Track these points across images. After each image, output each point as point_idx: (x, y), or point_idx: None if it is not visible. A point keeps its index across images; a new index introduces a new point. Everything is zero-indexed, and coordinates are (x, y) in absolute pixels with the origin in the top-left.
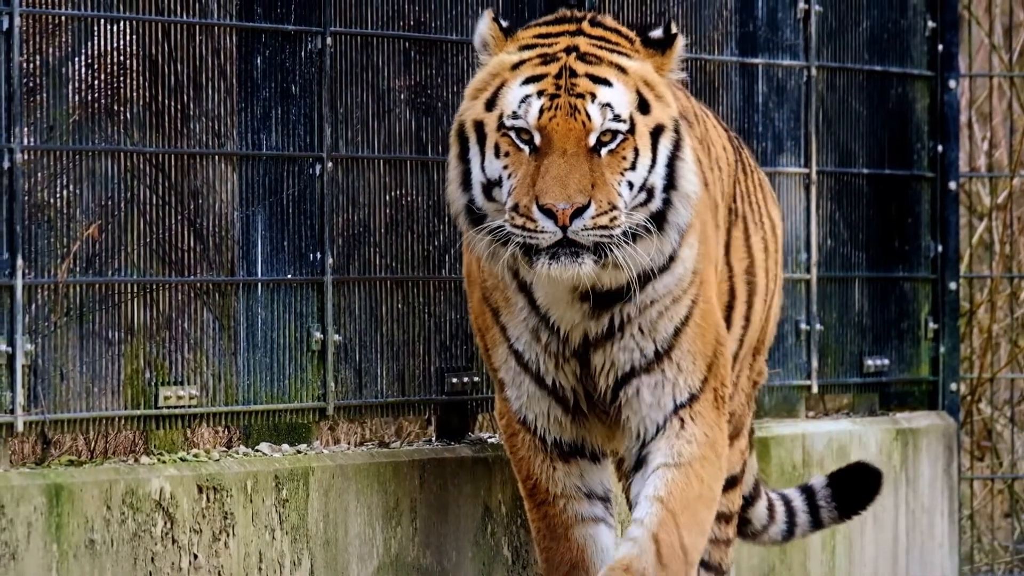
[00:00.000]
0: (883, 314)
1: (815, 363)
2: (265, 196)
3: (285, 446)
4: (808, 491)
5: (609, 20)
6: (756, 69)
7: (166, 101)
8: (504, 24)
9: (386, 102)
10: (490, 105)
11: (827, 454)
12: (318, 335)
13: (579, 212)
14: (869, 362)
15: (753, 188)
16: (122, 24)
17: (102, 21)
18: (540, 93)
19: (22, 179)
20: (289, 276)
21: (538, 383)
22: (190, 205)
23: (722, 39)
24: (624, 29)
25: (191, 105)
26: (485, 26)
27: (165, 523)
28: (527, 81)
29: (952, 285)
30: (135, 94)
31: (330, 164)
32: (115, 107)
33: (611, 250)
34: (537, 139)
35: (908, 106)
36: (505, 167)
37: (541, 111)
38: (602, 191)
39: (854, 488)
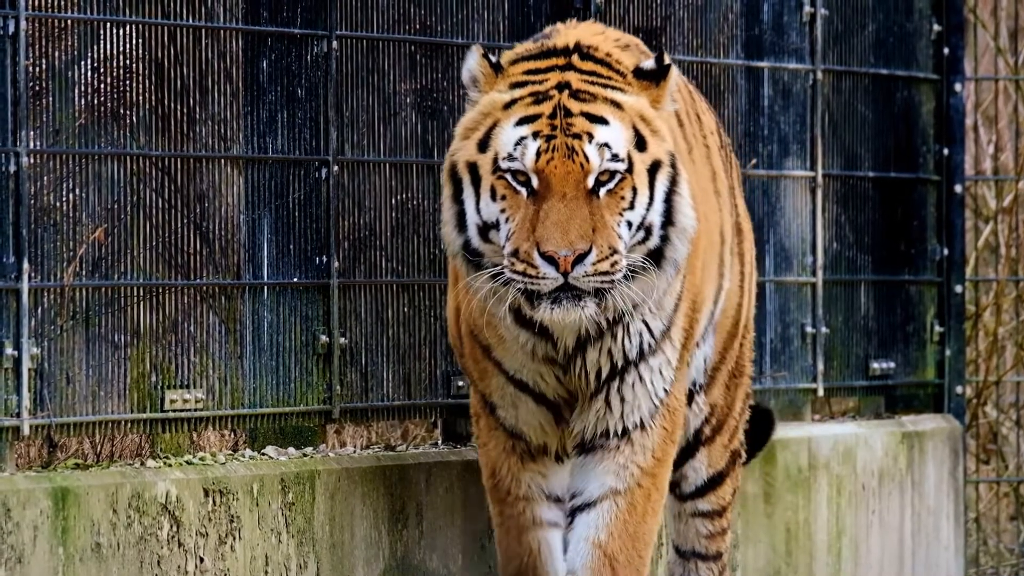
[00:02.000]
0: (889, 317)
1: (821, 366)
2: (271, 200)
3: (291, 449)
4: None
5: (598, 50)
6: (762, 72)
7: (172, 104)
8: (493, 60)
9: (392, 106)
10: (483, 146)
11: (833, 457)
12: (324, 338)
13: (580, 258)
14: (875, 365)
15: (730, 168)
16: (128, 27)
17: (108, 24)
18: (536, 135)
19: (28, 183)
20: (295, 279)
21: (536, 400)
22: (196, 208)
23: (728, 42)
24: (616, 60)
25: (197, 109)
26: (474, 62)
27: (171, 526)
28: (521, 122)
29: (958, 288)
30: (141, 97)
31: (336, 168)
32: (121, 110)
33: (611, 293)
34: (535, 182)
35: (914, 109)
36: (503, 210)
37: (538, 153)
38: (603, 235)
39: (749, 432)
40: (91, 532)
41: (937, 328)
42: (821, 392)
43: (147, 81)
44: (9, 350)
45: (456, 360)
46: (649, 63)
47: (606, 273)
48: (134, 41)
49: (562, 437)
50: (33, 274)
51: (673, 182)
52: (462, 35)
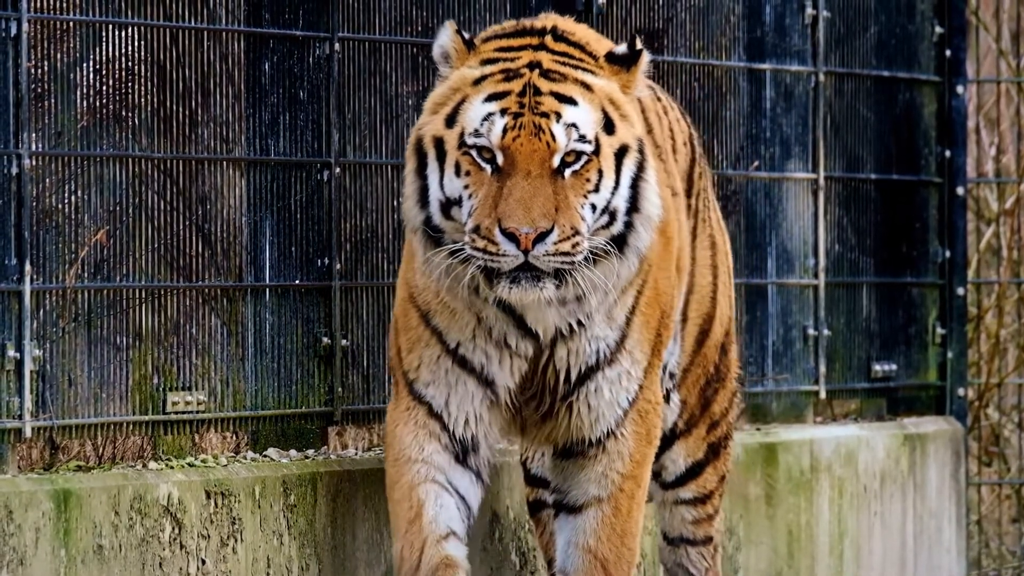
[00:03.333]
0: (891, 319)
1: (823, 368)
2: (273, 202)
3: (293, 451)
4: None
5: (573, 33)
6: (764, 75)
7: (174, 107)
8: (466, 36)
9: (394, 107)
10: (450, 121)
11: (835, 459)
12: (326, 340)
13: (542, 237)
14: (877, 367)
15: (700, 180)
16: (130, 30)
17: (110, 27)
18: (503, 111)
19: (30, 185)
20: (297, 281)
21: (480, 382)
22: (198, 211)
23: (730, 45)
24: (589, 43)
25: (199, 111)
26: (447, 37)
27: (173, 528)
28: (490, 98)
29: (960, 290)
30: (143, 100)
31: (338, 170)
32: (123, 113)
33: (571, 275)
34: (500, 159)
35: (916, 111)
36: (466, 186)
37: (504, 130)
38: (565, 215)
39: None
40: (93, 534)
41: (939, 330)
42: (823, 394)
43: (149, 83)
44: (11, 352)
45: None
46: (621, 48)
47: (567, 254)
48: (136, 43)
49: (493, 435)
50: (35, 276)
51: (640, 168)
52: None
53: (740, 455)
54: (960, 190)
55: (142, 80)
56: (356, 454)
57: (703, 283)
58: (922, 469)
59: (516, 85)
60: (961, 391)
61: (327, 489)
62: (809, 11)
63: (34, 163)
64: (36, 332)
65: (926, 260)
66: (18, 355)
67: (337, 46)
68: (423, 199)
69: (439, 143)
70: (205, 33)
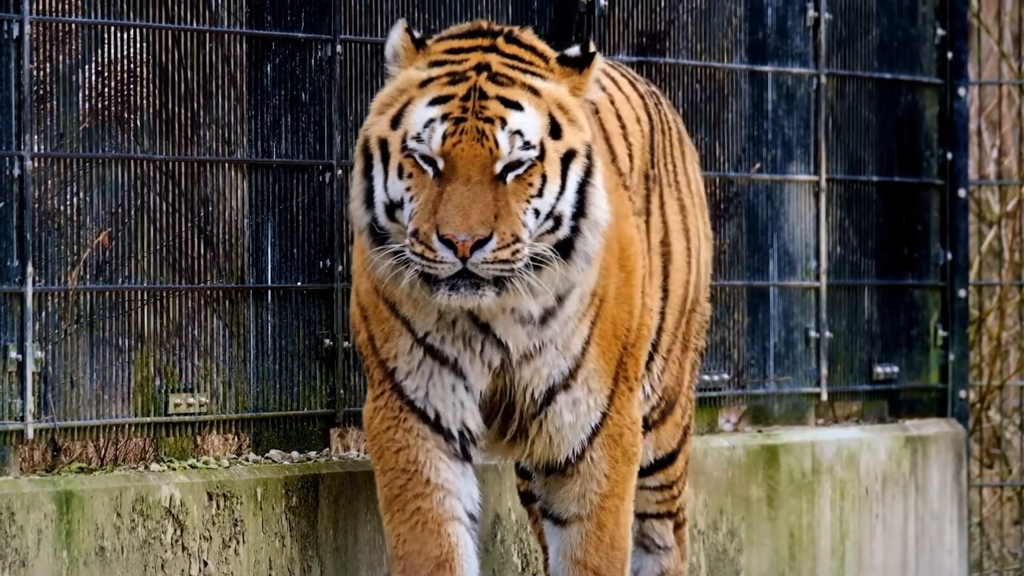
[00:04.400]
0: (892, 321)
1: (824, 370)
2: (275, 203)
3: (295, 453)
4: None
5: (527, 36)
6: (766, 77)
7: (176, 108)
8: (417, 35)
9: None
10: (395, 123)
11: (836, 461)
12: (328, 342)
13: (480, 244)
14: (878, 369)
15: (668, 146)
16: (132, 31)
17: (112, 28)
18: (445, 117)
19: (32, 186)
20: (299, 283)
21: (455, 374)
22: (200, 212)
23: (732, 47)
24: (541, 46)
25: (201, 112)
26: (397, 36)
27: (175, 530)
28: (433, 102)
29: (961, 292)
30: (145, 101)
31: (340, 171)
32: (125, 114)
33: (512, 283)
34: (441, 164)
35: (917, 114)
36: (408, 188)
37: (444, 137)
38: (506, 222)
39: None
40: (95, 536)
41: (941, 332)
42: (825, 396)
43: (151, 85)
44: (13, 354)
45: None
46: (574, 50)
47: (506, 261)
48: (138, 45)
49: (478, 422)
50: (37, 278)
51: (588, 173)
52: None
53: (742, 457)
54: (962, 192)
55: (144, 82)
56: (358, 456)
57: (680, 262)
58: (924, 471)
59: (461, 89)
60: (963, 393)
61: (329, 491)
62: (811, 13)
63: (36, 165)
64: (38, 334)
65: (928, 262)
66: (20, 357)
67: (339, 48)
68: (368, 200)
69: (384, 145)
70: (207, 35)
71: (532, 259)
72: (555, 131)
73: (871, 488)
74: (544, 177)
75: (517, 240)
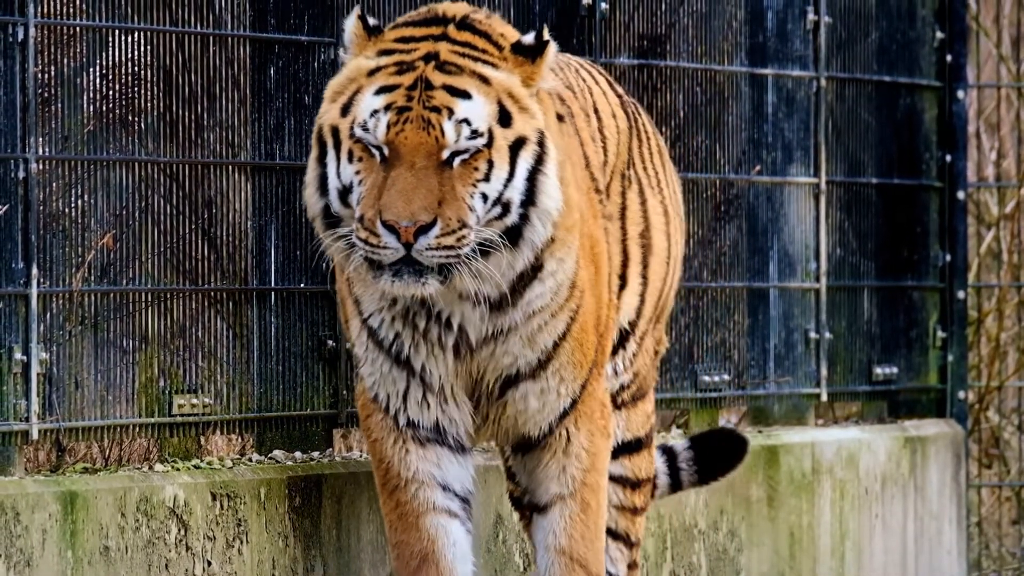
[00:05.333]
0: (892, 323)
1: (824, 371)
2: (278, 206)
3: (298, 454)
4: (669, 452)
5: (483, 21)
6: (766, 80)
7: (180, 111)
8: (371, 23)
9: None
10: (345, 111)
11: (836, 462)
12: (331, 343)
13: (424, 230)
14: (878, 370)
15: (648, 155)
16: (136, 35)
17: (116, 32)
18: (388, 107)
19: (37, 189)
20: (302, 285)
21: (396, 362)
22: (204, 215)
23: (732, 50)
24: (498, 31)
25: (205, 115)
26: (350, 24)
27: (179, 530)
28: (379, 91)
29: (960, 294)
30: (149, 104)
31: None
32: (129, 117)
33: (457, 269)
34: (386, 151)
35: (916, 116)
36: (357, 172)
37: (389, 126)
38: (451, 207)
39: (717, 454)
40: (99, 535)
41: (940, 333)
42: (825, 397)
43: (155, 88)
44: (18, 355)
45: None
46: (528, 37)
47: (451, 248)
48: (142, 48)
49: (456, 426)
50: (42, 279)
51: (539, 160)
52: None
53: None
54: (961, 194)
55: (148, 85)
56: (361, 456)
57: (660, 257)
58: (923, 471)
59: (407, 79)
60: (961, 394)
61: (332, 491)
62: (811, 16)
63: (41, 167)
64: (43, 335)
65: (927, 264)
66: (25, 358)
67: (342, 51)
68: (323, 187)
69: (335, 132)
70: (211, 38)
71: (479, 245)
72: (504, 119)
73: (871, 488)
74: (491, 163)
75: (463, 226)
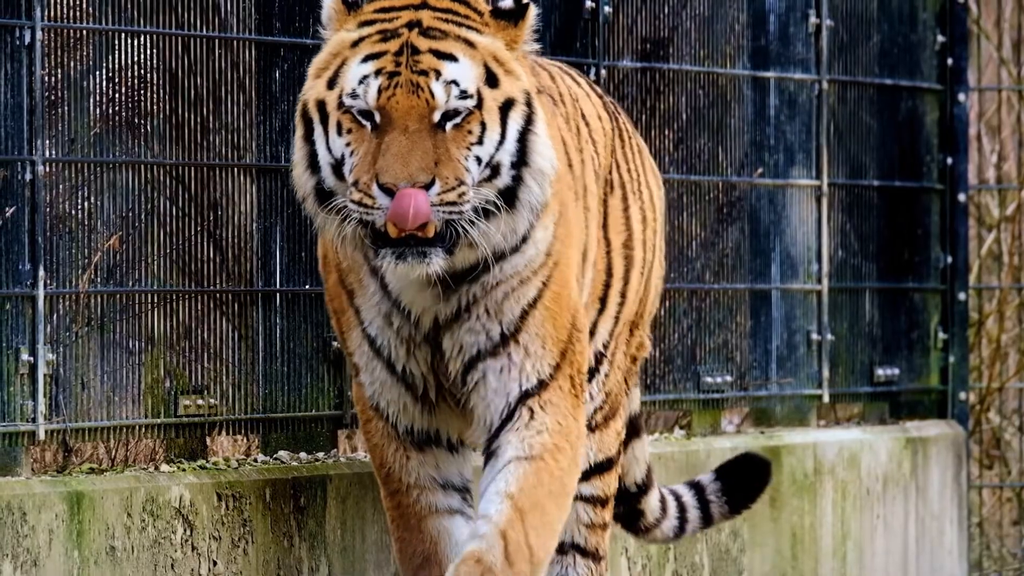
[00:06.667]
0: (893, 324)
1: (826, 372)
2: (283, 208)
3: (303, 454)
4: (697, 486)
5: None
6: (768, 83)
7: (186, 114)
8: None
9: None
10: (331, 84)
11: (838, 462)
12: (335, 345)
13: (423, 190)
14: (879, 372)
15: (631, 155)
16: (142, 38)
17: (123, 35)
18: (378, 72)
19: (44, 191)
20: (307, 287)
21: (390, 369)
22: (209, 217)
23: (735, 53)
24: (475, 1)
25: (210, 118)
26: (329, 1)
27: (185, 530)
28: (366, 59)
29: (961, 296)
30: (155, 107)
31: None
32: (135, 120)
33: (463, 228)
34: (378, 118)
35: (918, 119)
36: (348, 144)
37: (380, 91)
38: (448, 167)
39: (743, 481)
40: (106, 535)
41: (941, 335)
42: (827, 398)
43: (161, 91)
44: (25, 356)
45: None
46: (507, 2)
47: (453, 204)
48: (148, 51)
49: (446, 425)
50: (49, 281)
51: (528, 121)
52: None
53: None
54: (962, 197)
55: (154, 88)
56: (365, 457)
57: (637, 271)
58: (924, 472)
59: (393, 45)
60: (963, 395)
61: (337, 491)
62: (813, 20)
63: (48, 169)
64: (50, 336)
65: (928, 266)
66: (32, 359)
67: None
68: (313, 164)
69: (321, 106)
70: (216, 41)
71: (476, 210)
72: (492, 80)
73: (872, 489)
74: (483, 125)
75: (461, 183)
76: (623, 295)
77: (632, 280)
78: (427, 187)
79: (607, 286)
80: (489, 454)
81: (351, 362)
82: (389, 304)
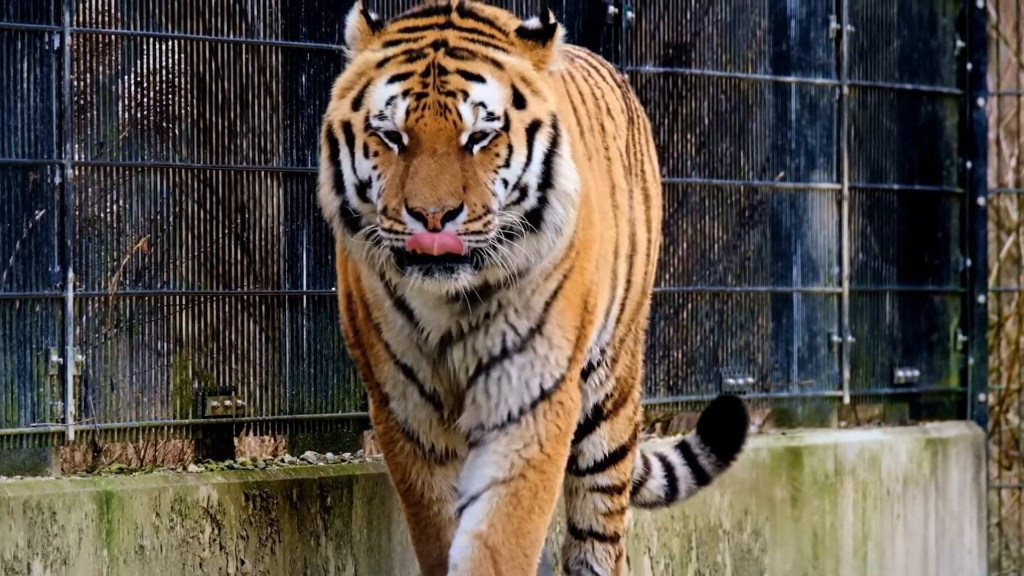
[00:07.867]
0: (913, 326)
1: (847, 374)
2: (310, 211)
3: (329, 454)
4: (682, 445)
5: (482, 9)
6: (789, 87)
7: (213, 118)
8: (373, 17)
9: None
10: (356, 105)
11: (859, 463)
12: None
13: (451, 216)
14: (900, 373)
15: (637, 133)
16: (171, 43)
17: (151, 40)
18: (406, 93)
19: (73, 194)
20: (333, 289)
21: (420, 392)
22: (237, 220)
23: (756, 58)
24: (503, 19)
25: (238, 122)
26: (352, 19)
27: (213, 529)
28: (393, 79)
29: (981, 298)
30: (183, 111)
31: None
32: (164, 124)
33: (487, 255)
34: (406, 140)
35: (937, 123)
36: (375, 167)
37: (408, 112)
38: (475, 192)
39: (722, 428)
40: (135, 535)
41: (960, 337)
42: (847, 399)
43: (189, 95)
44: (55, 357)
45: None
46: (534, 22)
47: (479, 232)
48: (176, 56)
49: (459, 439)
50: (78, 283)
51: (554, 143)
52: None
53: (766, 458)
54: (981, 200)
55: (182, 92)
56: None
57: (642, 240)
58: (944, 473)
59: (420, 65)
60: (982, 396)
61: (363, 491)
62: (833, 25)
63: (77, 173)
64: (79, 338)
65: (948, 268)
66: (62, 360)
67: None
68: (338, 185)
69: (347, 127)
70: (244, 46)
71: (502, 230)
72: (519, 102)
73: (892, 489)
74: (510, 147)
75: (488, 211)
76: (629, 281)
77: (637, 265)
78: (455, 213)
79: (614, 274)
80: (475, 443)
81: (377, 392)
82: (415, 331)
